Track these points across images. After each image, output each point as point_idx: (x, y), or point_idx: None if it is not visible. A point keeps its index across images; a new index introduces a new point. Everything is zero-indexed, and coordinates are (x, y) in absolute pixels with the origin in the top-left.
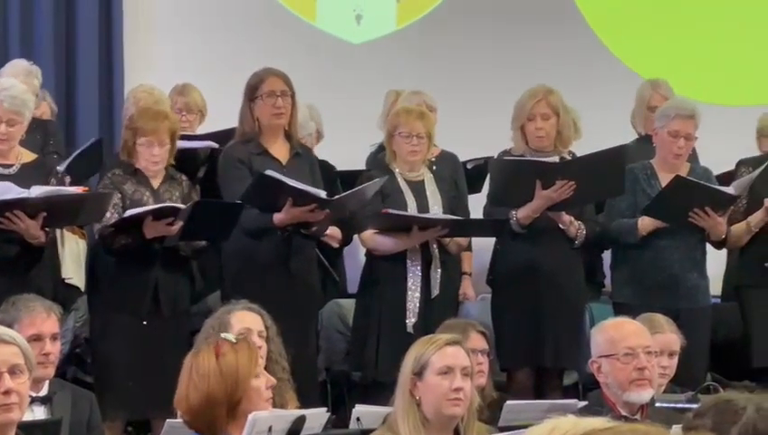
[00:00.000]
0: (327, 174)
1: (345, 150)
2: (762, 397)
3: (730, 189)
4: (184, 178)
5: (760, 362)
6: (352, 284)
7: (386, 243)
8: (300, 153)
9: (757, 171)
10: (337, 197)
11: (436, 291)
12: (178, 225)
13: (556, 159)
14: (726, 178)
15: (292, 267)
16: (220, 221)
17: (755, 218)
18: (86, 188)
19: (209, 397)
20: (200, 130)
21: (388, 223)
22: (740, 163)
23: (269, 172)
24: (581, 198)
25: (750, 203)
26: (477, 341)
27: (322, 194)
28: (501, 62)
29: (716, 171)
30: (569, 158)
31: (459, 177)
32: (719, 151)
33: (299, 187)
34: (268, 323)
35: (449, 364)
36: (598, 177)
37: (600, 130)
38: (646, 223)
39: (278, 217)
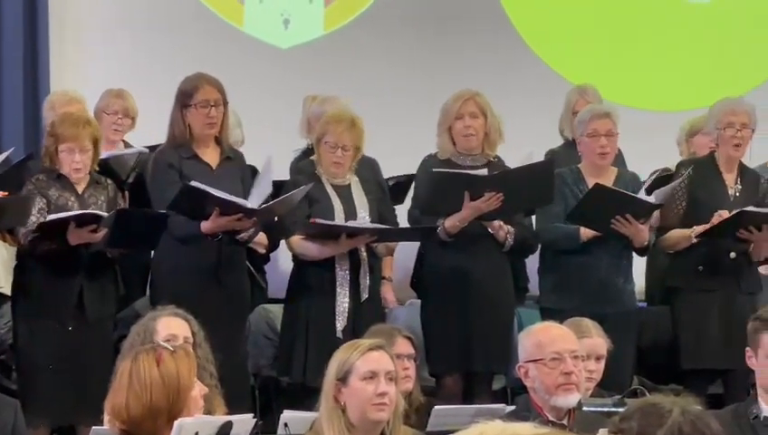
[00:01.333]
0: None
1: (272, 155)
2: (687, 400)
3: (650, 198)
4: (109, 182)
5: (689, 364)
6: (275, 288)
7: (313, 249)
8: (231, 157)
9: (677, 181)
10: (263, 206)
11: (365, 295)
12: (102, 232)
13: (485, 171)
14: (666, 180)
15: (221, 273)
16: (146, 230)
17: (700, 230)
18: (6, 193)
19: (152, 408)
20: (128, 136)
21: (317, 231)
22: (680, 165)
23: (194, 183)
24: (510, 208)
25: (689, 205)
26: (404, 346)
27: (248, 204)
28: (428, 67)
29: (644, 176)
30: (494, 161)
31: (381, 178)
32: (646, 156)
33: (225, 197)
34: (195, 328)
35: (373, 369)
36: (526, 189)
37: (530, 135)
38: (588, 230)
39: (205, 226)
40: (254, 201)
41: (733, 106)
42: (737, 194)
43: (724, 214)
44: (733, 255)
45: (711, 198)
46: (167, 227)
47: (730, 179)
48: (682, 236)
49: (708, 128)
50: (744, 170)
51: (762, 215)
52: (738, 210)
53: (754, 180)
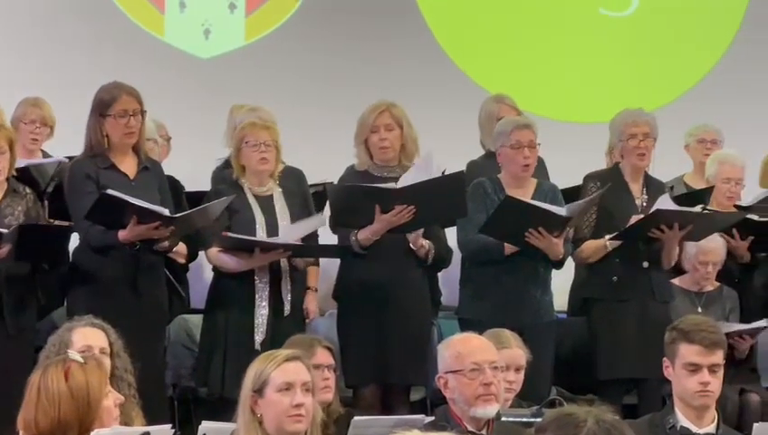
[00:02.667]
0: (175, 190)
1: (194, 165)
2: (601, 409)
3: (561, 210)
4: (28, 191)
5: (606, 374)
6: (197, 299)
7: (230, 262)
8: (148, 167)
9: (591, 196)
10: (181, 214)
11: (287, 308)
12: (6, 248)
13: (394, 184)
14: (574, 193)
15: (139, 283)
16: (52, 244)
17: (613, 235)
18: None
19: (61, 422)
20: (46, 145)
21: (232, 243)
22: (587, 178)
23: (110, 191)
24: (422, 221)
25: (599, 218)
26: (324, 356)
27: (166, 211)
28: (350, 78)
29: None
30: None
31: (306, 191)
32: (568, 167)
33: (142, 205)
34: (112, 338)
35: (289, 380)
36: (438, 201)
37: (451, 145)
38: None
39: (123, 235)
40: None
41: (633, 117)
42: (644, 204)
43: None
44: (646, 264)
45: (619, 209)
46: (69, 240)
47: (636, 190)
48: (596, 246)
49: (612, 139)
50: (649, 180)
51: (676, 213)
52: (654, 210)
53: (660, 189)
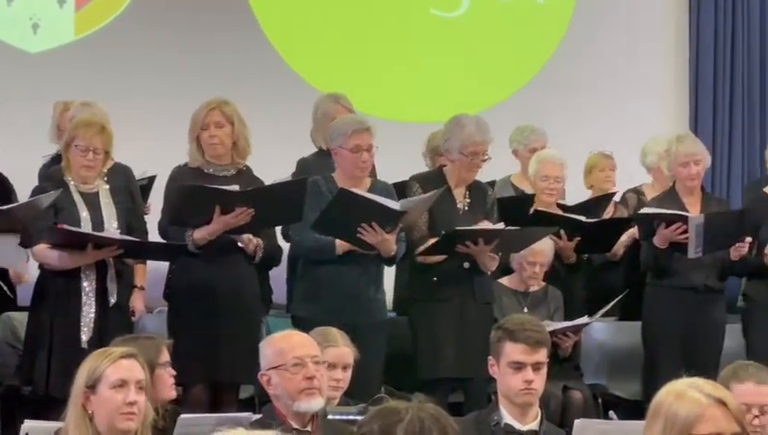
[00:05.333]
0: (3, 187)
1: (20, 161)
2: (419, 403)
3: (395, 205)
4: None
5: (426, 374)
6: (23, 296)
7: (55, 259)
8: None
9: (429, 194)
10: (1, 208)
11: (112, 299)
12: None
13: (236, 187)
14: (399, 189)
15: None
16: None
17: (421, 250)
18: None
19: None
20: None
21: (64, 238)
22: (411, 179)
23: None
24: (260, 223)
25: (429, 221)
26: (167, 354)
27: None
28: (181, 73)
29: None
30: (244, 170)
31: (134, 188)
32: (397, 167)
33: None
34: None
35: (123, 377)
36: (277, 205)
37: (281, 143)
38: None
39: None
40: None
41: (482, 136)
42: (466, 208)
43: None
44: (466, 265)
45: (441, 213)
46: None
47: (459, 194)
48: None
49: (449, 145)
50: (471, 184)
51: (474, 232)
52: (452, 230)
53: (482, 194)
